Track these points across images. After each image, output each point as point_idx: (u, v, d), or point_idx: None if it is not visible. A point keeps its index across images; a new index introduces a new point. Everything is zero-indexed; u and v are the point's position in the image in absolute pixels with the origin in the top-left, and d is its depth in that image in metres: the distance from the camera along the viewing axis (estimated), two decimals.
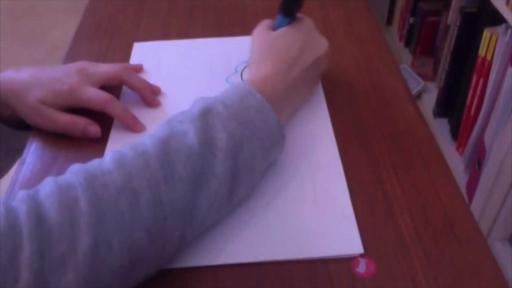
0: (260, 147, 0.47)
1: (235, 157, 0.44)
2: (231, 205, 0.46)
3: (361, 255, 0.45)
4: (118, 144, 0.56)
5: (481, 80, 1.29)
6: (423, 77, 1.72)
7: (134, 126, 0.58)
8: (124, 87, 0.63)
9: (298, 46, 0.56)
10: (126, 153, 0.42)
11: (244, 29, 0.75)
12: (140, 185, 0.40)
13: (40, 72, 0.57)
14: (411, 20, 1.83)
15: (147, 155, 0.42)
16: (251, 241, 0.46)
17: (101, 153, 0.55)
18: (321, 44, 0.59)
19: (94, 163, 0.42)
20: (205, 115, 0.45)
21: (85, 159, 0.54)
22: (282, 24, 0.58)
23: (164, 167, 0.41)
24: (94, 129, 0.56)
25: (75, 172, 0.41)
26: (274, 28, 0.59)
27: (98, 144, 0.56)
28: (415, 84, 1.70)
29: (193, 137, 0.43)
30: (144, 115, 0.60)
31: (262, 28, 0.59)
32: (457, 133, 1.47)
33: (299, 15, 0.59)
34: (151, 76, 0.66)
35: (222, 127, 0.45)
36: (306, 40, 0.57)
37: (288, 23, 0.58)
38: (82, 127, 0.56)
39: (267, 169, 0.52)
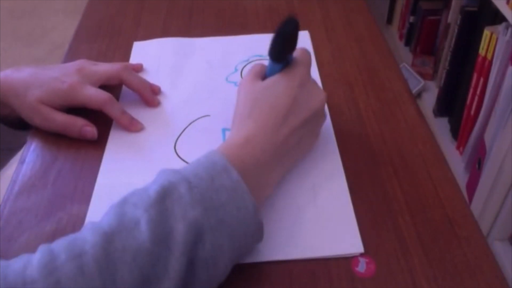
0: (228, 236, 0.39)
1: (194, 251, 0.37)
2: None
3: (361, 255, 0.45)
4: (118, 144, 0.56)
5: (482, 79, 1.29)
6: (423, 76, 1.72)
7: (132, 127, 0.58)
8: (124, 86, 0.63)
9: (289, 100, 0.47)
10: (58, 254, 0.35)
11: (244, 29, 0.76)
12: None
13: (39, 71, 0.57)
14: (411, 19, 1.83)
15: (84, 257, 0.35)
16: None
17: (101, 153, 0.55)
18: (317, 96, 0.50)
19: (18, 266, 0.34)
20: (163, 200, 0.38)
21: (85, 159, 0.55)
22: (274, 71, 0.50)
23: (104, 273, 0.34)
24: (90, 130, 0.56)
25: None
26: (266, 74, 0.51)
27: (98, 144, 0.56)
28: (415, 83, 1.70)
29: (145, 230, 0.36)
30: (144, 114, 0.60)
31: (249, 77, 0.51)
32: (457, 133, 1.46)
33: (295, 57, 0.51)
34: (151, 76, 0.66)
35: (182, 215, 0.38)
36: (298, 93, 0.48)
37: (280, 68, 0.50)
38: (80, 127, 0.56)
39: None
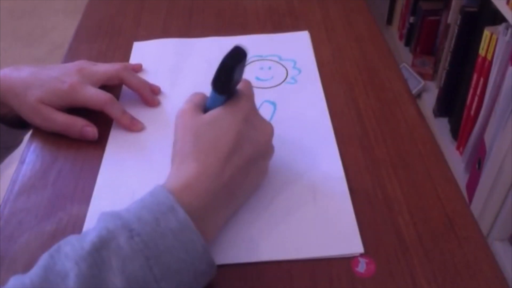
0: (177, 282, 0.36)
1: None
2: None
3: (361, 255, 0.45)
4: (118, 144, 0.56)
5: (482, 80, 1.29)
6: (423, 76, 1.72)
7: (132, 127, 0.58)
8: (124, 87, 0.63)
9: (233, 136, 0.43)
10: None
11: (244, 29, 0.76)
12: None
13: (40, 71, 0.57)
14: (411, 19, 1.83)
15: None
16: (251, 241, 0.46)
17: (101, 153, 0.55)
18: (263, 130, 0.47)
19: None
20: (99, 251, 0.35)
21: (85, 159, 0.55)
22: (216, 103, 0.47)
23: None
24: (91, 130, 0.56)
25: None
26: (206, 106, 0.48)
27: (98, 143, 0.56)
28: (415, 83, 1.70)
29: (73, 284, 0.33)
30: (144, 114, 0.60)
31: (189, 109, 0.46)
32: (457, 133, 1.46)
33: (238, 88, 0.48)
34: (151, 76, 0.66)
35: (120, 268, 0.34)
36: (243, 127, 0.44)
37: (223, 100, 0.47)
38: (80, 128, 0.56)
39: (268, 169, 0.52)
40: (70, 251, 0.35)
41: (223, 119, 0.45)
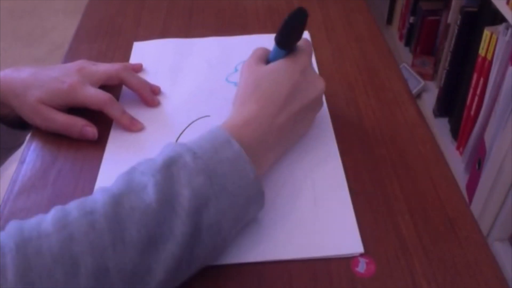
0: (231, 204, 0.41)
1: (199, 216, 0.39)
2: (191, 270, 0.41)
3: (361, 255, 0.45)
4: (118, 144, 0.56)
5: (482, 80, 1.29)
6: (423, 76, 1.72)
7: (132, 127, 0.58)
8: (124, 86, 0.63)
9: (290, 86, 0.49)
10: (70, 211, 0.38)
11: (244, 29, 0.76)
12: (82, 250, 0.35)
13: (40, 72, 0.57)
14: (411, 19, 1.83)
15: (95, 215, 0.37)
16: (251, 241, 0.46)
17: (101, 153, 0.55)
18: (316, 85, 0.52)
19: (33, 221, 0.37)
20: (169, 167, 0.40)
21: (85, 159, 0.55)
22: (278, 56, 0.52)
23: (113, 229, 0.37)
24: (91, 130, 0.56)
25: (10, 232, 0.36)
26: (269, 59, 0.53)
27: (98, 143, 0.56)
28: (415, 83, 1.70)
29: (152, 193, 0.39)
30: (144, 114, 0.60)
31: (253, 60, 0.53)
32: (457, 133, 1.46)
33: (298, 45, 0.53)
34: (151, 76, 0.66)
35: (187, 181, 0.40)
36: (300, 79, 0.50)
37: (284, 54, 0.52)
38: (80, 128, 0.56)
39: (268, 170, 0.52)
40: (145, 168, 0.41)
41: (283, 70, 0.50)
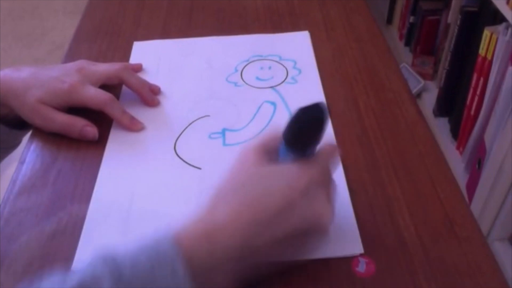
0: None
1: None
2: None
3: (361, 255, 0.45)
4: (118, 144, 0.56)
5: (482, 80, 1.29)
6: (423, 76, 1.72)
7: (132, 127, 0.58)
8: (124, 86, 0.63)
9: (284, 202, 0.37)
10: None
11: (244, 29, 0.76)
12: None
13: (39, 71, 0.57)
14: (411, 19, 1.83)
15: None
16: None
17: (101, 153, 0.55)
18: (322, 210, 0.39)
19: None
20: None
21: (85, 159, 0.55)
22: (286, 156, 0.40)
23: None
24: (91, 130, 0.56)
25: None
26: (279, 154, 0.41)
27: (98, 143, 0.56)
28: (415, 83, 1.70)
29: None
30: (144, 114, 0.60)
31: (253, 149, 0.40)
32: (457, 133, 1.46)
33: (320, 151, 0.41)
34: (151, 76, 0.66)
35: None
36: (298, 200, 0.37)
37: (293, 157, 0.40)
38: (80, 128, 0.56)
39: None
40: None
41: (280, 178, 0.38)
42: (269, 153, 0.41)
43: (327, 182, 0.41)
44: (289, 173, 0.39)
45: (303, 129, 0.39)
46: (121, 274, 0.33)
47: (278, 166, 0.40)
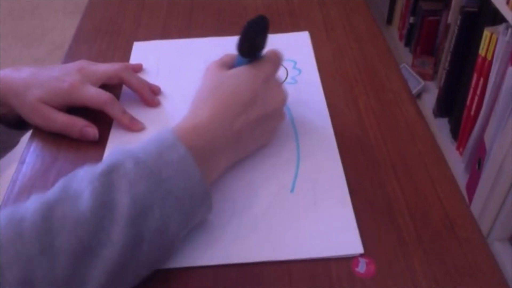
0: (177, 208, 0.41)
1: (141, 223, 0.39)
2: (140, 273, 0.41)
3: (361, 255, 0.45)
4: (118, 144, 0.56)
5: (481, 80, 1.29)
6: (423, 76, 1.72)
7: (132, 127, 0.58)
8: (124, 86, 0.63)
9: (249, 93, 0.48)
10: (0, 219, 0.37)
11: None
12: (7, 260, 0.34)
13: (40, 71, 0.57)
14: (411, 19, 1.83)
15: (24, 223, 0.36)
16: (251, 241, 0.46)
17: (101, 153, 0.55)
18: (277, 96, 0.51)
19: None
20: (110, 174, 0.40)
21: (85, 159, 0.55)
22: (241, 64, 0.51)
23: (42, 238, 0.36)
24: (91, 131, 0.56)
25: None
26: (234, 65, 0.52)
27: (98, 143, 0.56)
28: (415, 83, 1.70)
29: (88, 200, 0.38)
30: (144, 114, 0.60)
31: (216, 65, 0.52)
32: (457, 133, 1.47)
33: (265, 54, 0.52)
34: (151, 76, 0.66)
35: (127, 188, 0.39)
36: (260, 88, 0.49)
37: (247, 62, 0.51)
38: (80, 128, 0.56)
39: (268, 169, 0.52)
40: (84, 175, 0.40)
41: (244, 76, 0.49)
42: (227, 65, 0.52)
43: (275, 76, 0.52)
44: (249, 71, 0.50)
45: (252, 36, 0.49)
46: (137, 157, 0.41)
47: (238, 68, 0.50)
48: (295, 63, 0.68)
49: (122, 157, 0.41)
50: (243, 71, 0.50)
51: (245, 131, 0.48)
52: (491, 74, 1.24)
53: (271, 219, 0.48)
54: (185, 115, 0.48)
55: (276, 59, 0.52)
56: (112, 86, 0.61)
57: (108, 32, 0.76)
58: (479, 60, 1.30)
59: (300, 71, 0.67)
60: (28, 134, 0.59)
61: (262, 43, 0.50)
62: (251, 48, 0.50)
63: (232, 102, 0.48)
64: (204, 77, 0.51)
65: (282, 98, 0.52)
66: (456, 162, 1.42)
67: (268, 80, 0.50)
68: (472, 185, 1.28)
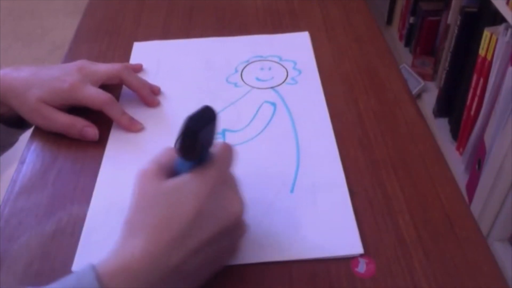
0: None
1: None
2: None
3: (361, 255, 0.45)
4: (118, 144, 0.56)
5: (481, 80, 1.29)
6: (423, 76, 1.72)
7: (132, 128, 0.58)
8: (124, 87, 0.63)
9: (190, 214, 0.37)
10: None
11: (244, 29, 0.76)
12: None
13: (40, 71, 0.57)
14: (411, 19, 1.83)
15: None
16: (251, 241, 0.46)
17: (101, 153, 0.55)
18: (232, 207, 0.39)
19: None
20: None
21: (85, 159, 0.55)
22: (183, 167, 0.39)
23: None
24: (91, 131, 0.56)
25: None
26: (174, 168, 0.40)
27: (98, 143, 0.56)
28: (415, 83, 1.70)
29: None
30: (144, 114, 0.60)
31: (150, 172, 0.39)
32: (457, 133, 1.46)
33: (213, 152, 0.40)
34: (151, 76, 0.66)
35: None
36: (205, 203, 0.37)
37: (191, 166, 0.39)
38: (80, 128, 0.56)
39: (268, 169, 0.52)
40: None
41: (184, 190, 0.38)
42: (165, 168, 0.40)
43: (228, 179, 0.41)
44: (191, 183, 0.38)
45: (193, 134, 0.37)
46: None
47: (179, 179, 0.39)
48: (295, 63, 0.68)
49: None
50: (184, 184, 0.38)
51: (191, 263, 0.37)
52: (491, 74, 1.24)
53: (271, 219, 0.48)
54: (114, 247, 0.37)
55: (227, 156, 0.41)
56: (112, 86, 0.61)
57: (108, 32, 0.76)
58: (479, 60, 1.30)
59: (300, 71, 0.67)
60: (28, 133, 0.59)
61: (208, 140, 0.39)
62: (193, 149, 0.38)
63: (170, 228, 0.36)
64: (136, 188, 0.39)
65: (239, 206, 0.40)
66: (456, 162, 1.41)
67: (216, 191, 0.38)
68: (472, 185, 1.28)
